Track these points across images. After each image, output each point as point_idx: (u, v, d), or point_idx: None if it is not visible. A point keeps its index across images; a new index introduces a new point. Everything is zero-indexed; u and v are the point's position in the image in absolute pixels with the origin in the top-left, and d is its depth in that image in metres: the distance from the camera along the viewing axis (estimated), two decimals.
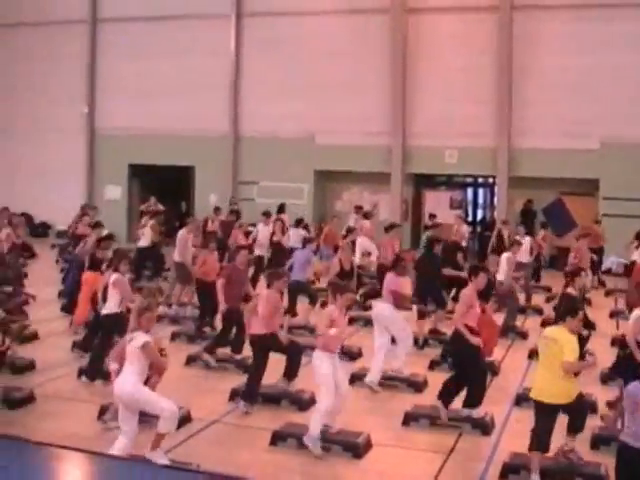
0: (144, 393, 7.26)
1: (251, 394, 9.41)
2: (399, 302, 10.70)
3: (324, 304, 10.97)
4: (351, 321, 14.15)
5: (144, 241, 17.51)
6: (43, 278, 17.49)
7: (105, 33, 26.70)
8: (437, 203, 24.20)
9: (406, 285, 11.57)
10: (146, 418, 7.49)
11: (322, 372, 8.16)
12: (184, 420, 8.63)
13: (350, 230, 17.40)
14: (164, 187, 24.89)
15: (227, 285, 11.20)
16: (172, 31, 25.25)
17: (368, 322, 13.62)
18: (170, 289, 15.43)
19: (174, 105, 24.97)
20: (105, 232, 14.92)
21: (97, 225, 15.31)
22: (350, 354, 11.77)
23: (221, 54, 24.98)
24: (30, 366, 10.88)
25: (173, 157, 25.39)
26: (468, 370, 8.94)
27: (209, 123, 24.89)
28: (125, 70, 25.86)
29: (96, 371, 10.34)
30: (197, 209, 24.71)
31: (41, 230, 26.63)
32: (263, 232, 17.37)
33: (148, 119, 25.31)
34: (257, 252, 16.84)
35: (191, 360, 11.38)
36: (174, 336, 12.83)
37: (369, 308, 14.65)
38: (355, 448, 8.06)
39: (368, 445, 8.23)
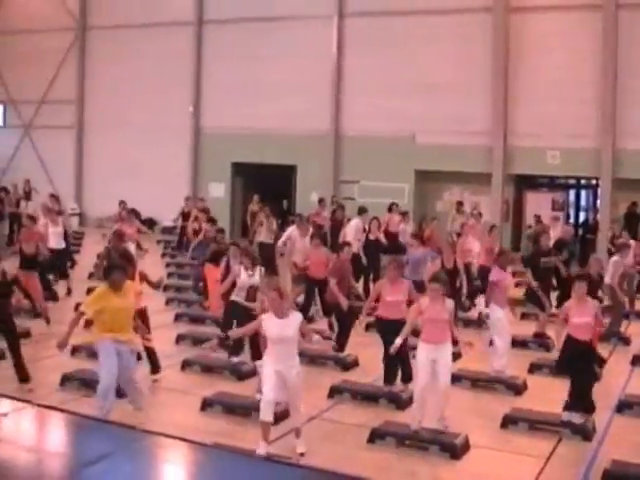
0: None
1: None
2: (500, 295, 10.68)
3: None
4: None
5: (262, 237, 17.90)
6: (149, 273, 18.03)
7: (210, 34, 27.35)
8: (538, 205, 23.80)
9: (508, 279, 11.44)
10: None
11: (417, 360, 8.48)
12: (283, 415, 8.86)
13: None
14: (266, 185, 25.34)
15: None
16: (274, 32, 25.62)
17: (469, 323, 13.59)
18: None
19: (276, 104, 25.36)
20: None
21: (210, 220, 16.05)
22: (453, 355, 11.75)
23: (323, 54, 25.22)
24: (137, 357, 11.31)
25: (275, 156, 25.80)
26: (580, 374, 8.85)
27: (311, 122, 25.18)
28: (229, 70, 26.43)
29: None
30: (298, 207, 25.02)
31: (149, 225, 27.43)
32: (355, 228, 17.27)
33: (251, 118, 25.77)
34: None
35: None
36: None
37: (469, 309, 14.65)
38: (453, 449, 8.09)
39: (466, 446, 8.25)
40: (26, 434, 5.99)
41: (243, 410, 9.00)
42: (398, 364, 9.81)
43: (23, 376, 9.81)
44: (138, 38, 27.98)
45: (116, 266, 8.72)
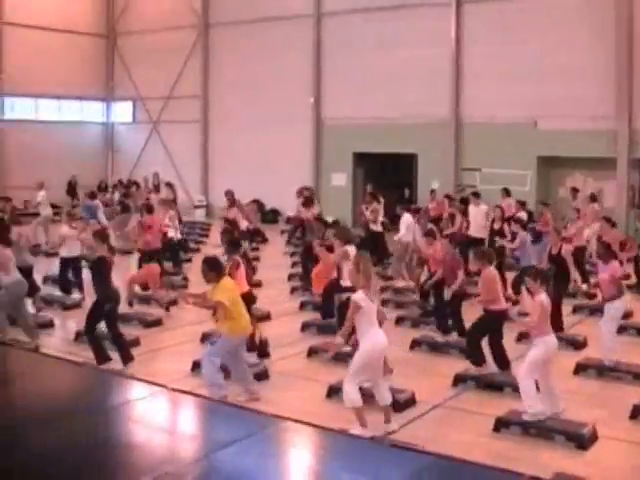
0: None
1: None
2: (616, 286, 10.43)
3: None
4: (575, 310, 13.89)
5: (375, 226, 18.11)
6: (273, 262, 18.49)
7: (328, 26, 27.54)
8: None
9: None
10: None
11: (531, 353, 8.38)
12: (408, 402, 8.92)
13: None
14: (387, 174, 25.36)
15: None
16: (393, 21, 25.58)
17: (594, 311, 13.27)
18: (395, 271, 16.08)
19: (396, 93, 25.35)
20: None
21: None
22: (575, 343, 11.55)
23: (442, 41, 24.96)
24: (264, 343, 11.61)
25: (396, 145, 25.76)
26: None
27: (430, 110, 25.02)
28: (348, 61, 26.55)
29: None
30: (420, 196, 24.95)
31: (271, 217, 27.99)
32: (483, 214, 17.27)
33: (371, 108, 25.85)
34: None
35: (416, 344, 11.64)
36: (399, 320, 13.16)
37: (594, 297, 14.32)
38: (580, 439, 7.96)
39: (593, 437, 8.11)
40: (161, 416, 6.30)
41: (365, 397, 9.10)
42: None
43: None
44: (258, 32, 28.54)
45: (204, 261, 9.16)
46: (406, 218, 16.37)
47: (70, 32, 31.89)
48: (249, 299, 10.26)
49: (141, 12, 32.60)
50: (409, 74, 25.18)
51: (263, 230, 22.90)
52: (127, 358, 10.32)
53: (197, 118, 30.97)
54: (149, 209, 16.31)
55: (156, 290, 13.98)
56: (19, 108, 31.27)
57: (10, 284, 11.14)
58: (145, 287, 14.53)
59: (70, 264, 14.55)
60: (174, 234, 17.21)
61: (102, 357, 10.28)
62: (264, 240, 22.41)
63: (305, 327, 12.68)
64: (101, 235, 10.99)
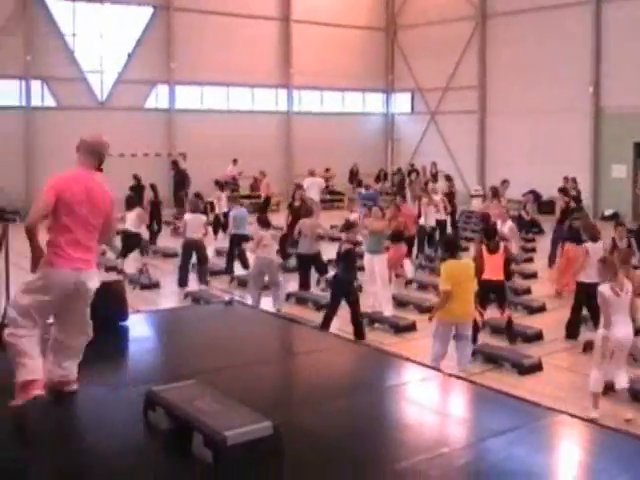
0: None
1: None
2: None
3: None
4: None
5: None
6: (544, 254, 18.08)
7: (609, 12, 26.26)
8: None
9: None
10: None
11: None
12: None
13: None
14: None
15: None
16: None
17: None
18: None
19: None
20: None
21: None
22: None
23: None
24: (538, 336, 11.56)
25: None
26: None
27: None
28: (630, 48, 25.16)
29: None
30: None
31: (548, 207, 27.27)
32: None
33: None
34: None
35: None
36: None
37: None
38: None
39: None
40: (435, 399, 6.57)
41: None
42: None
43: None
44: (536, 21, 28.03)
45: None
46: None
47: (352, 27, 33.30)
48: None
49: (419, 5, 33.17)
50: None
51: (539, 221, 22.48)
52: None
53: (474, 108, 30.98)
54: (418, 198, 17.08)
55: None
56: (306, 100, 33.11)
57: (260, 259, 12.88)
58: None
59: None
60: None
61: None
62: (540, 231, 22.01)
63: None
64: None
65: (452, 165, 30.47)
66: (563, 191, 18.45)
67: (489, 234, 11.24)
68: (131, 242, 16.19)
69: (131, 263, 16.37)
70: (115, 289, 8.13)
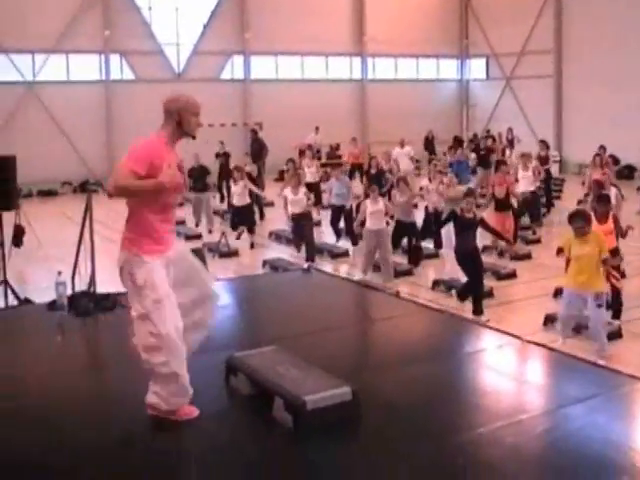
0: None
1: None
2: None
3: None
4: None
5: None
6: (630, 221, 17.59)
7: None
8: None
9: None
10: None
11: None
12: None
13: None
14: None
15: None
16: None
17: None
18: None
19: None
20: None
21: None
22: None
23: None
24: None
25: None
26: None
27: None
28: None
29: None
30: None
31: (627, 172, 26.65)
32: None
33: None
34: None
35: None
36: None
37: None
38: None
39: None
40: (514, 366, 6.56)
41: None
42: None
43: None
44: None
45: (578, 213, 8.95)
46: None
47: None
48: None
49: None
50: None
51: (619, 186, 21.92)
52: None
53: (550, 73, 30.29)
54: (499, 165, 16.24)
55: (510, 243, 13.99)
56: (379, 68, 32.88)
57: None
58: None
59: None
60: (525, 187, 16.85)
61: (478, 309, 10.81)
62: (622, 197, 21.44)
63: None
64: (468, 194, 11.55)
65: (528, 131, 29.89)
66: None
67: (602, 201, 10.61)
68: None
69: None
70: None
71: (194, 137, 5.20)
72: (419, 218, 15.07)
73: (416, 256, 14.04)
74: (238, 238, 15.83)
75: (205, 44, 28.58)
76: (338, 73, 31.84)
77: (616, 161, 24.99)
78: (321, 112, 28.72)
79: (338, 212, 15.99)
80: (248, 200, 16.26)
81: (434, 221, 14.86)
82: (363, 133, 31.36)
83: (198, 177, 17.36)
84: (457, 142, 27.02)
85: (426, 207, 15.46)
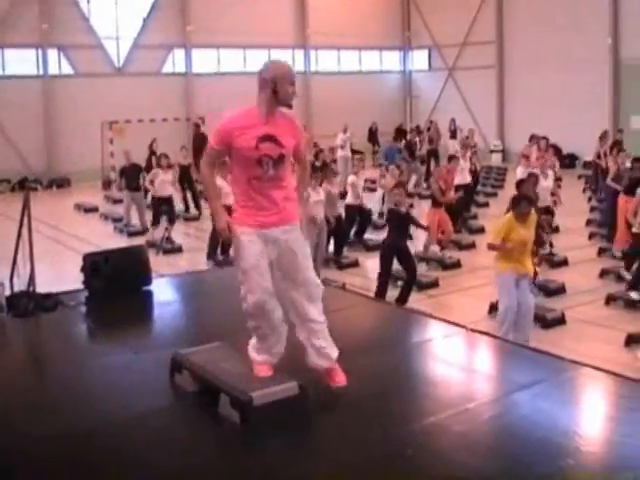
0: None
1: None
2: None
3: None
4: None
5: None
6: (570, 208, 17.96)
7: None
8: None
9: None
10: None
11: None
12: None
13: None
14: None
15: None
16: None
17: None
18: None
19: None
20: None
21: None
22: None
23: None
24: (561, 289, 11.52)
25: None
26: None
27: None
28: None
29: None
30: None
31: (569, 161, 27.05)
32: None
33: None
34: None
35: None
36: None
37: None
38: None
39: None
40: (459, 355, 6.60)
41: None
42: None
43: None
44: None
45: (524, 198, 8.97)
46: None
47: None
48: None
49: None
50: None
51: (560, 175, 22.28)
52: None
53: (492, 63, 30.58)
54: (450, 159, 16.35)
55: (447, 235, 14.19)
56: (323, 60, 32.83)
57: None
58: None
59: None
60: (463, 180, 16.94)
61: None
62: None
63: (604, 274, 12.32)
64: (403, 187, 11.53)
65: (471, 121, 30.14)
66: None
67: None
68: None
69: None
70: (138, 254, 8.21)
71: (291, 106, 5.02)
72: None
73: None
74: (167, 236, 15.53)
75: (146, 37, 28.10)
76: None
77: (558, 150, 25.39)
78: None
79: None
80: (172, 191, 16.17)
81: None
82: (307, 126, 31.25)
83: (131, 175, 16.85)
84: (400, 133, 27.24)
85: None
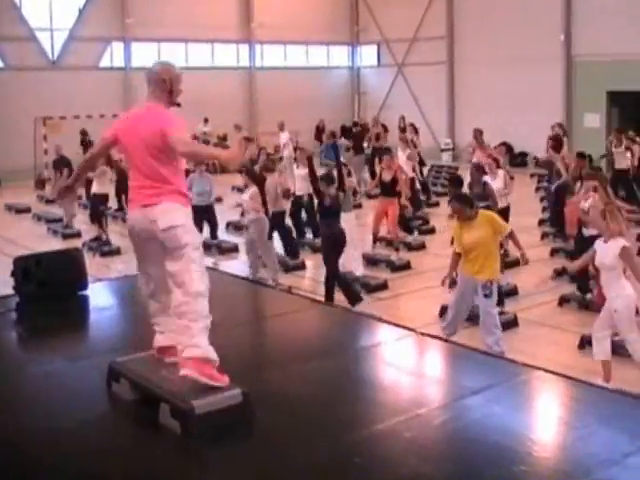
0: None
1: None
2: None
3: None
4: None
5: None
6: (523, 207, 17.97)
7: None
8: None
9: None
10: None
11: None
12: None
13: None
14: None
15: None
16: None
17: None
18: None
19: None
20: None
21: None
22: None
23: None
24: (513, 291, 11.42)
25: None
26: None
27: None
28: None
29: None
30: None
31: (520, 160, 27.21)
32: None
33: (629, 43, 23.99)
34: None
35: None
36: None
37: None
38: None
39: None
40: (410, 360, 6.44)
41: (623, 350, 8.66)
42: None
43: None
44: None
45: (456, 196, 8.75)
46: None
47: None
48: None
49: None
50: None
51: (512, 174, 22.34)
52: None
53: (442, 59, 30.49)
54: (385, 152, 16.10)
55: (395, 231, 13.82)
56: (268, 55, 32.46)
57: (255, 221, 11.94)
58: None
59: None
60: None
61: (354, 298, 10.57)
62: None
63: (556, 274, 12.28)
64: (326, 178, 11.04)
65: (421, 119, 30.01)
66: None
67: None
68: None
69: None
70: (73, 257, 7.89)
71: (180, 105, 5.43)
72: None
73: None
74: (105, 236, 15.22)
75: (82, 30, 27.08)
76: (225, 61, 31.06)
77: (509, 149, 25.51)
78: (208, 102, 27.89)
79: (202, 213, 13.31)
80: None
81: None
82: (252, 123, 30.95)
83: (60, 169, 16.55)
84: (345, 131, 27.07)
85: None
